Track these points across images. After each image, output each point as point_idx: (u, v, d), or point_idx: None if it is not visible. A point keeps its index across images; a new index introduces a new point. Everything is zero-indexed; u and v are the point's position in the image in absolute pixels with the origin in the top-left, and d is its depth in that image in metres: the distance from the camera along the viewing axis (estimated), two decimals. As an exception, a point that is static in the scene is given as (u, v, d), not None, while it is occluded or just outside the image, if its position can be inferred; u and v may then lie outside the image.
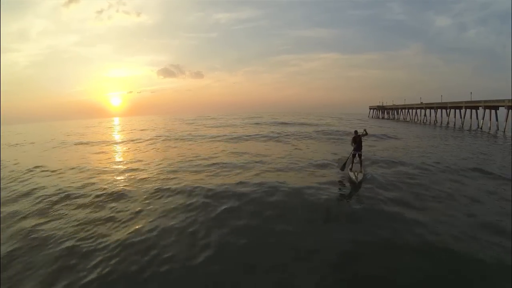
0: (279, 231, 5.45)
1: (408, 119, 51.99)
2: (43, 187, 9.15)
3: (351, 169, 9.04)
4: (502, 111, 28.95)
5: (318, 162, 11.65)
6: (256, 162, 12.01)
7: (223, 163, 11.76)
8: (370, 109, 71.09)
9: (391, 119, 59.37)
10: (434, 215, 6.12)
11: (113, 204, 7.22)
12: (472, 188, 8.15)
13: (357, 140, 9.14)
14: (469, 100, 34.54)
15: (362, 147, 9.48)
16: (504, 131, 26.51)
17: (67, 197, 7.92)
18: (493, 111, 30.20)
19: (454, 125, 36.51)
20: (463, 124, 34.82)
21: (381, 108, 65.40)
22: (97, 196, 7.87)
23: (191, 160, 13.08)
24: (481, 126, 30.84)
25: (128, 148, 19.45)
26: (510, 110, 26.59)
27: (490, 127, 29.74)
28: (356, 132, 9.46)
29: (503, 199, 7.12)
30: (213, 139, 21.94)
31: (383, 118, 63.37)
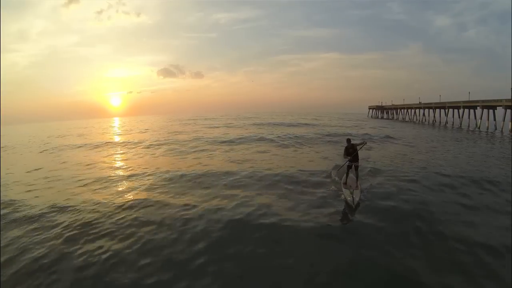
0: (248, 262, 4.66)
1: (407, 119, 51.96)
2: None
3: (345, 183, 7.71)
4: (500, 111, 28.86)
5: (310, 171, 10.25)
6: (237, 172, 10.44)
7: (197, 174, 10.24)
8: (369, 109, 71.06)
9: (390, 119, 59.34)
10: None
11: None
12: (475, 205, 6.94)
13: (350, 151, 7.75)
14: (467, 100, 34.51)
15: (359, 158, 8.10)
16: (502, 131, 26.43)
17: None
18: (491, 110, 30.12)
19: (453, 124, 36.45)
20: (461, 124, 34.75)
21: (380, 108, 65.37)
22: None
23: (158, 170, 11.40)
24: (479, 126, 30.77)
25: (102, 154, 17.41)
26: (508, 110, 26.50)
27: (487, 126, 29.64)
28: (349, 141, 7.96)
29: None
30: (203, 142, 20.48)
31: (382, 118, 63.33)
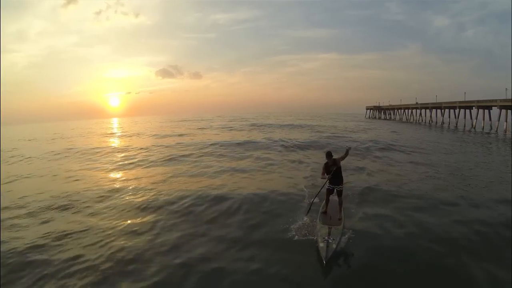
0: None
1: (404, 119, 52.03)
2: None
3: (324, 212, 5.70)
4: (495, 111, 28.86)
5: (280, 194, 7.65)
6: (185, 195, 7.71)
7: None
8: (366, 109, 71.06)
9: (388, 119, 59.38)
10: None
11: None
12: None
13: (331, 169, 5.56)
14: (463, 100, 34.54)
15: (343, 179, 5.81)
16: (497, 131, 26.38)
17: None
18: (486, 110, 30.15)
19: (449, 125, 36.47)
20: (457, 124, 34.78)
21: (378, 109, 65.39)
22: None
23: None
24: (475, 126, 30.76)
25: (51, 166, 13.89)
26: (503, 110, 26.52)
27: (483, 126, 29.65)
28: (329, 155, 5.61)
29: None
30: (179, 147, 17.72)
31: (379, 118, 63.34)
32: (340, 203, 5.71)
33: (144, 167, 12.44)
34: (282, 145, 17.53)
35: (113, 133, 35.54)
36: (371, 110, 68.33)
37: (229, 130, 30.42)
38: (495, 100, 27.22)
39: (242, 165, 11.96)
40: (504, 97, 26.94)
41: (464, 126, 32.72)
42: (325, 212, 5.70)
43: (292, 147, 16.86)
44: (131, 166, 12.91)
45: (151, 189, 8.64)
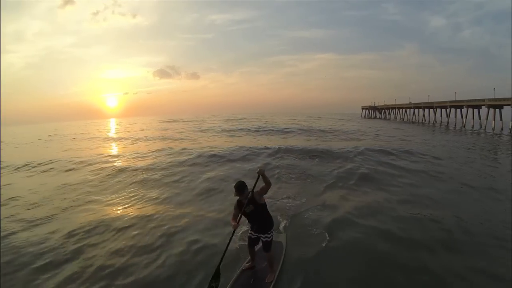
0: None
1: (398, 118, 52.83)
2: None
3: (251, 268, 3.79)
4: (484, 110, 29.48)
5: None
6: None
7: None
8: (362, 109, 71.82)
9: (383, 118, 60.09)
10: None
11: None
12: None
13: (247, 210, 3.50)
14: (454, 100, 35.26)
15: (271, 223, 3.71)
16: (485, 129, 27.01)
17: None
18: (476, 110, 30.86)
19: (441, 123, 37.15)
20: (448, 123, 35.48)
21: (373, 108, 66.12)
22: None
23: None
24: (465, 124, 31.46)
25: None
26: (491, 109, 27.18)
27: (473, 125, 30.33)
28: (240, 188, 3.48)
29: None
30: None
31: (375, 118, 64.04)
32: (270, 260, 3.64)
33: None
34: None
35: (89, 137, 30.61)
36: (367, 110, 69.09)
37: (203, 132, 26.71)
38: (483, 100, 27.91)
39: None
40: (500, 96, 27.52)
41: (455, 125, 33.41)
42: (251, 268, 3.76)
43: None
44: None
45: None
